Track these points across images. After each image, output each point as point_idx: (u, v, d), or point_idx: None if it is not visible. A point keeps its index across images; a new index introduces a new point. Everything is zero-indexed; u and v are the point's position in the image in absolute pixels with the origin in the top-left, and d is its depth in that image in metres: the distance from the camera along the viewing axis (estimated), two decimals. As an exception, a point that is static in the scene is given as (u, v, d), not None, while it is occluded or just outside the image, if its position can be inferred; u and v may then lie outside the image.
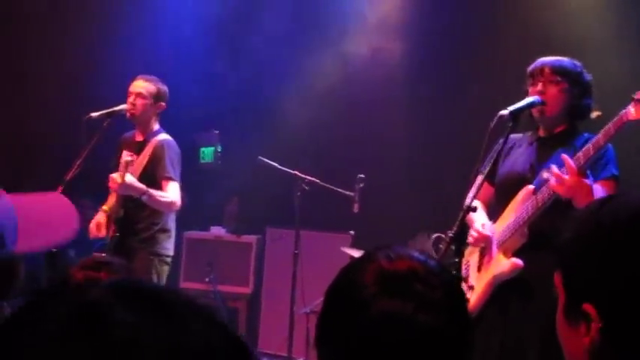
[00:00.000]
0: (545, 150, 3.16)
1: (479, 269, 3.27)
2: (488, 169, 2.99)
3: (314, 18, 6.44)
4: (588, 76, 3.17)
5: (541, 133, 3.25)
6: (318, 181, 5.15)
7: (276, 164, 5.21)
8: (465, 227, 2.72)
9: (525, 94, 3.17)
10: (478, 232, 3.20)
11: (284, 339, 5.20)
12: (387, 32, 6.38)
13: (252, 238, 6.49)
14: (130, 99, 4.43)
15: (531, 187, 3.08)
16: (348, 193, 5.14)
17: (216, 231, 6.61)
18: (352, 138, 6.27)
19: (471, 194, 3.36)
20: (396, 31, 6.36)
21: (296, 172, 5.14)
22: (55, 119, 6.09)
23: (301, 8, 6.46)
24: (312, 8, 6.45)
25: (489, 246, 3.19)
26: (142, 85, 4.45)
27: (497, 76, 5.83)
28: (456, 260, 2.75)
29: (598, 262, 1.04)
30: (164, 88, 4.52)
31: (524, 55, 5.76)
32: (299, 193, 5.12)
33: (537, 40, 5.56)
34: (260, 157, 5.24)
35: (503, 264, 3.10)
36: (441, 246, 3.15)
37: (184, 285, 6.54)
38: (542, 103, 3.04)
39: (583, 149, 2.88)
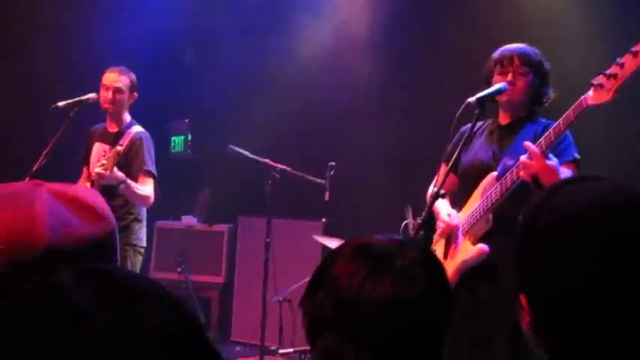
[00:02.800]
0: (507, 137, 3.22)
1: (445, 257, 3.30)
2: (452, 158, 3.05)
3: (288, 8, 6.41)
4: (547, 65, 3.25)
5: (501, 120, 3.30)
6: (289, 169, 5.15)
7: (247, 152, 5.19)
8: (432, 214, 2.74)
9: (486, 79, 3.24)
10: (444, 222, 3.25)
11: (257, 327, 5.20)
12: (359, 21, 6.38)
13: (223, 227, 6.47)
14: (108, 94, 4.40)
15: (494, 173, 3.12)
16: (319, 180, 5.15)
17: (188, 220, 6.59)
18: (322, 126, 6.27)
19: (436, 181, 3.42)
20: (367, 25, 6.36)
21: (267, 161, 5.13)
22: (21, 109, 6.01)
23: (275, 2, 6.43)
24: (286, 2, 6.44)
25: (455, 234, 3.23)
26: (118, 79, 4.43)
27: (471, 64, 5.87)
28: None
29: (533, 263, 1.05)
30: (134, 77, 4.54)
31: (498, 38, 5.83)
32: (270, 182, 5.11)
33: (512, 24, 5.60)
34: (231, 146, 5.22)
35: (470, 250, 3.13)
36: (410, 232, 3.18)
37: (155, 275, 6.51)
38: (507, 90, 3.07)
39: (544, 135, 2.92)
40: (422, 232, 2.78)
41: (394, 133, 6.13)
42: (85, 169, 4.56)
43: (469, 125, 3.22)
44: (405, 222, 4.31)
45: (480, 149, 3.28)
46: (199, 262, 6.36)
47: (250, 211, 6.17)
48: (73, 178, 4.41)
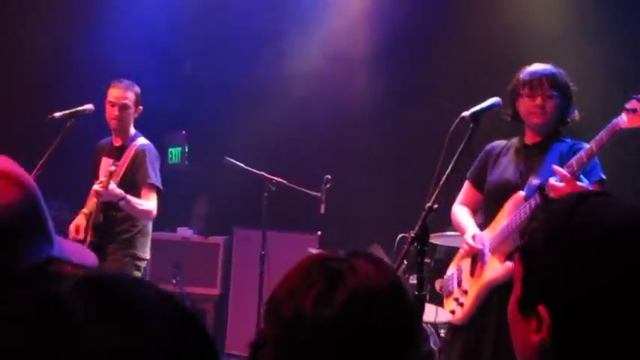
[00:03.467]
0: (533, 157, 3.28)
1: (472, 274, 3.35)
2: (474, 175, 3.25)
3: (284, 21, 6.44)
4: (573, 86, 3.31)
5: (527, 140, 3.35)
6: (285, 181, 5.16)
7: (242, 165, 5.20)
8: (427, 228, 2.74)
9: (512, 98, 3.29)
10: (468, 244, 3.30)
11: (252, 340, 5.18)
12: (356, 34, 6.41)
13: (219, 239, 6.47)
14: (114, 111, 4.39)
15: (522, 193, 3.18)
16: (314, 193, 5.16)
17: (183, 232, 6.58)
18: (319, 139, 6.29)
19: (460, 199, 3.51)
20: (365, 33, 6.40)
21: (263, 173, 5.15)
22: (18, 119, 6.02)
23: (273, 10, 6.46)
24: (284, 10, 6.46)
25: (481, 253, 3.27)
26: (124, 96, 4.40)
27: (464, 77, 5.90)
28: (419, 260, 2.78)
29: (560, 269, 1.02)
30: (139, 90, 4.52)
31: (488, 60, 5.88)
32: (266, 194, 5.12)
33: (504, 51, 5.64)
34: (227, 158, 5.23)
35: (498, 268, 3.18)
36: (404, 246, 3.18)
37: (151, 286, 6.50)
38: (501, 105, 3.09)
39: (575, 157, 2.98)
40: (415, 245, 2.78)
41: (391, 147, 6.15)
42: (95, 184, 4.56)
43: (496, 143, 3.41)
44: (400, 235, 4.32)
45: (506, 169, 3.32)
46: (195, 274, 6.35)
47: (246, 224, 6.17)
48: (68, 189, 4.42)
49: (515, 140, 3.41)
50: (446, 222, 5.16)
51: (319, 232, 5.48)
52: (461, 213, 3.52)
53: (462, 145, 2.85)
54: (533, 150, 3.30)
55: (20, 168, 1.04)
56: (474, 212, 3.52)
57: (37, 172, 4.07)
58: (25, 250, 0.95)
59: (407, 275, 4.69)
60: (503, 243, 3.20)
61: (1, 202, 0.95)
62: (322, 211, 5.14)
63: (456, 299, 3.39)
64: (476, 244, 3.28)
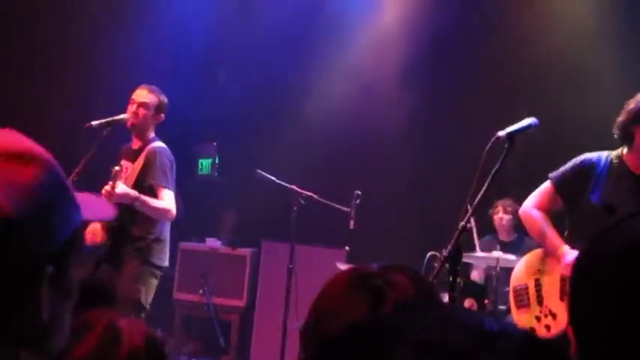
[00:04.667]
0: None
1: (562, 298, 3.26)
2: (564, 183, 3.23)
3: (317, 35, 6.48)
4: None
5: (635, 169, 3.26)
6: (315, 196, 5.16)
7: (273, 178, 5.22)
8: (459, 247, 2.73)
9: (636, 122, 3.19)
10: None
11: (276, 353, 5.19)
12: (387, 48, 6.42)
13: (247, 251, 6.49)
14: (132, 107, 4.43)
15: None
16: (344, 209, 5.15)
17: (212, 243, 6.62)
18: (350, 154, 6.30)
19: (536, 202, 3.41)
20: (396, 47, 6.41)
21: (293, 187, 5.16)
22: (55, 127, 6.11)
23: (306, 24, 6.50)
24: (316, 24, 6.50)
25: None
26: (145, 96, 4.46)
27: (497, 94, 5.88)
28: (450, 279, 2.76)
29: (585, 296, 1.01)
30: (165, 100, 4.53)
31: (526, 73, 5.85)
32: (295, 208, 5.13)
33: (540, 59, 5.62)
34: (258, 171, 5.25)
35: None
36: (435, 264, 3.16)
37: (178, 296, 6.54)
38: (537, 126, 3.07)
39: None
40: (447, 266, 2.77)
41: (422, 164, 6.13)
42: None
43: (593, 157, 3.30)
44: (430, 253, 4.30)
45: (613, 193, 3.24)
46: (221, 285, 6.37)
47: (274, 236, 6.19)
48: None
49: (613, 157, 3.31)
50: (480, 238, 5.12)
51: (347, 248, 5.47)
52: (544, 221, 3.43)
53: (497, 166, 2.83)
54: None
55: (25, 139, 0.96)
56: (548, 215, 3.41)
57: (73, 179, 4.12)
58: (60, 224, 0.94)
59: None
60: None
61: (24, 185, 0.89)
62: (351, 226, 5.13)
63: (538, 318, 3.33)
64: None
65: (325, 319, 1.21)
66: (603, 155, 3.34)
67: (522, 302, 3.46)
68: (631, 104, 3.23)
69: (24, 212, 0.88)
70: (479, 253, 4.74)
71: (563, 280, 3.28)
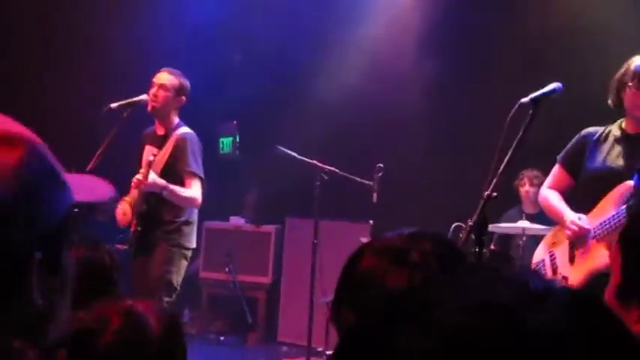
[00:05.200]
0: (634, 148, 3.26)
1: (571, 261, 3.33)
2: (567, 159, 3.30)
3: (335, 10, 6.42)
4: None
5: (629, 129, 3.33)
6: (337, 170, 5.14)
7: (294, 154, 5.20)
8: (485, 217, 2.69)
9: (617, 91, 3.27)
10: (579, 225, 3.26)
11: (303, 328, 5.21)
12: (408, 21, 6.35)
13: (271, 228, 6.50)
14: (153, 90, 4.42)
15: (630, 182, 3.15)
16: (367, 182, 5.13)
17: (236, 221, 6.64)
18: (371, 127, 6.25)
19: (549, 182, 3.51)
20: (417, 19, 6.33)
21: (315, 162, 5.14)
22: (75, 109, 6.13)
23: (325, 2, 6.44)
24: (336, 3, 6.44)
25: (584, 238, 3.25)
26: (165, 78, 4.44)
27: (518, 64, 5.79)
28: (476, 250, 2.73)
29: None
30: (186, 82, 4.51)
31: (545, 44, 5.75)
32: (318, 183, 5.11)
33: (559, 28, 5.51)
34: (279, 147, 5.24)
35: (606, 255, 3.11)
36: (460, 235, 3.14)
37: (204, 275, 6.58)
38: (562, 91, 3.02)
39: None
40: (472, 236, 2.74)
41: (443, 135, 6.07)
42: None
43: (592, 129, 3.39)
44: (455, 224, 4.27)
45: (608, 157, 3.31)
46: (247, 263, 6.40)
47: (298, 212, 6.19)
48: (126, 180, 4.48)
49: (612, 127, 3.38)
50: (503, 210, 5.08)
51: (371, 222, 5.44)
52: (553, 197, 3.49)
53: (521, 132, 2.78)
54: (636, 141, 3.28)
55: (12, 122, 0.92)
56: (565, 197, 3.48)
57: (95, 162, 4.13)
58: (48, 207, 0.91)
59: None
60: (613, 231, 3.10)
61: (7, 167, 0.86)
62: (374, 200, 5.10)
63: None
64: (584, 224, 3.24)
65: (364, 291, 1.21)
66: (602, 127, 3.41)
67: None
68: (621, 70, 3.29)
69: (7, 194, 0.86)
70: (504, 224, 4.70)
71: (571, 245, 3.34)
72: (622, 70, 3.29)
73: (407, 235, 1.30)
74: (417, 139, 6.15)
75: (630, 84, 3.23)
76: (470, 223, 2.69)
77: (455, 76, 6.09)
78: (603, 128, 3.40)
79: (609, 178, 3.20)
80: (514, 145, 2.84)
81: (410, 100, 6.21)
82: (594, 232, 3.23)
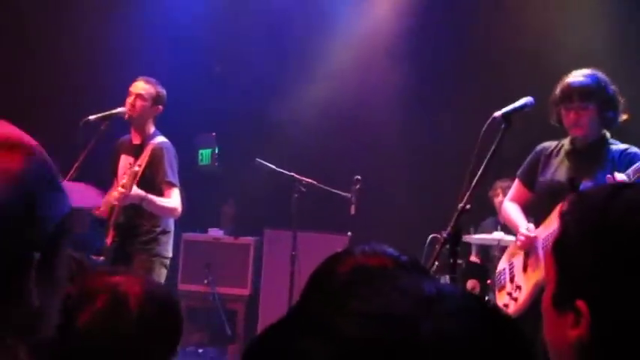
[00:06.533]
0: (582, 161, 3.35)
1: (524, 270, 3.43)
2: (524, 174, 3.43)
3: (311, 20, 6.46)
4: (611, 89, 3.34)
5: (576, 143, 3.42)
6: (315, 182, 5.17)
7: (273, 166, 5.23)
8: (459, 228, 2.74)
9: (556, 107, 3.34)
10: (525, 235, 3.37)
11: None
12: (384, 35, 6.41)
13: (249, 240, 6.50)
14: (130, 99, 4.41)
15: None
16: (345, 194, 5.16)
17: (214, 233, 6.63)
18: (349, 140, 6.29)
19: (510, 195, 3.64)
20: (394, 33, 6.39)
21: (293, 174, 5.16)
22: (52, 122, 6.11)
23: (299, 10, 6.48)
24: (310, 10, 6.48)
25: (535, 248, 3.34)
26: (142, 87, 4.44)
27: (494, 77, 5.87)
28: (451, 261, 2.78)
29: (599, 260, 0.99)
30: (163, 91, 4.51)
31: (519, 56, 5.83)
32: (296, 195, 5.14)
33: (532, 41, 5.60)
34: (257, 159, 5.26)
35: None
36: (436, 246, 3.18)
37: (182, 287, 6.56)
38: (533, 105, 3.08)
39: (633, 168, 3.08)
40: (447, 247, 2.78)
41: (419, 147, 6.13)
42: (115, 181, 4.59)
43: (547, 144, 3.49)
44: (431, 235, 4.31)
45: (557, 170, 3.40)
46: (225, 275, 6.39)
47: (276, 224, 6.20)
48: (104, 190, 4.47)
49: (565, 141, 3.46)
50: (476, 222, 5.13)
51: (349, 233, 5.48)
52: (512, 209, 3.60)
53: (493, 146, 2.84)
54: (584, 153, 3.36)
55: (13, 128, 0.95)
56: (525, 209, 3.59)
57: (72, 174, 4.12)
58: (47, 211, 0.94)
59: (438, 276, 4.68)
60: None
61: (9, 172, 0.89)
62: (352, 211, 5.14)
63: (509, 294, 3.50)
64: (531, 234, 3.33)
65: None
66: (557, 142, 3.50)
67: (500, 284, 3.67)
68: (555, 92, 3.36)
69: (9, 198, 0.88)
70: (480, 235, 4.75)
71: (526, 254, 3.44)
72: (553, 93, 3.36)
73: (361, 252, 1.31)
74: (395, 151, 6.20)
75: (559, 105, 3.32)
76: (444, 235, 2.73)
77: (431, 89, 6.16)
78: (557, 142, 3.49)
79: (558, 191, 3.27)
80: (487, 157, 2.90)
81: (387, 113, 6.27)
82: (544, 243, 3.31)
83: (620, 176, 3.03)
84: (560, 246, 1.07)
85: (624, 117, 3.34)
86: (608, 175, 3.08)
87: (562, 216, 1.10)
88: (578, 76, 3.31)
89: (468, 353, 0.54)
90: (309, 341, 0.55)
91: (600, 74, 3.33)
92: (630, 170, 3.07)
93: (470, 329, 0.56)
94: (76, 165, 4.18)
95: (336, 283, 0.61)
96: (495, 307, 0.59)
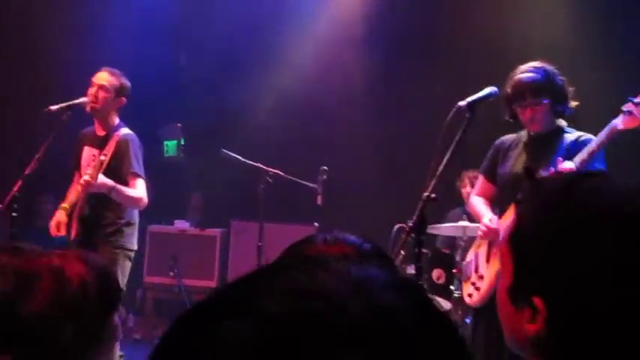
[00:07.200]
0: (538, 151, 3.37)
1: (487, 260, 3.47)
2: (486, 169, 3.46)
3: (277, 12, 6.44)
4: (560, 79, 3.35)
5: (532, 134, 3.44)
6: (281, 173, 5.15)
7: (239, 157, 5.19)
8: (424, 218, 2.74)
9: (509, 103, 3.34)
10: (487, 226, 3.40)
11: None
12: (349, 22, 6.41)
13: (216, 232, 6.47)
14: (92, 90, 4.34)
15: None
16: (311, 185, 5.15)
17: (180, 224, 6.58)
18: (315, 130, 6.29)
19: (476, 191, 3.67)
20: (359, 26, 6.39)
21: (259, 165, 5.14)
22: (14, 113, 6.00)
23: (264, 4, 6.45)
24: (275, 3, 6.46)
25: (497, 238, 3.36)
26: (105, 78, 4.36)
27: (459, 68, 5.91)
28: (416, 250, 2.78)
29: (556, 256, 0.97)
30: (127, 83, 4.44)
31: (484, 48, 5.88)
32: (263, 186, 5.11)
33: (497, 34, 5.64)
34: (223, 150, 5.22)
35: None
36: (402, 236, 3.19)
37: (148, 279, 6.51)
38: (498, 94, 3.10)
39: (579, 155, 3.11)
40: (413, 236, 2.79)
41: (385, 137, 6.15)
42: (76, 174, 4.53)
43: (505, 138, 3.52)
44: (397, 225, 4.32)
45: (516, 162, 3.42)
46: (192, 267, 6.35)
47: (243, 216, 6.18)
48: (65, 182, 4.41)
49: (523, 133, 3.48)
50: (444, 212, 5.17)
51: (316, 224, 5.47)
52: (477, 202, 3.63)
53: (458, 135, 2.85)
54: (540, 144, 3.38)
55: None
56: (491, 203, 3.62)
57: (34, 165, 4.05)
58: None
59: (404, 266, 4.70)
60: None
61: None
62: (319, 202, 5.13)
63: (473, 284, 3.54)
64: (492, 225, 3.36)
65: None
66: (516, 135, 3.52)
67: (466, 275, 3.73)
68: (506, 88, 3.36)
69: None
70: (446, 224, 4.77)
71: (490, 245, 3.49)
72: (505, 89, 3.33)
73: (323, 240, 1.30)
74: (361, 141, 6.21)
75: (516, 104, 3.32)
76: (410, 224, 2.74)
77: (396, 79, 6.18)
78: (516, 135, 3.51)
79: (518, 182, 3.28)
80: (452, 147, 2.91)
81: (353, 103, 6.28)
82: (504, 234, 3.34)
83: (567, 164, 3.06)
84: (515, 236, 1.05)
85: (575, 104, 3.37)
86: (559, 158, 3.12)
87: (517, 206, 1.07)
88: (526, 71, 3.31)
89: (397, 330, 0.55)
90: (231, 322, 0.54)
91: (547, 66, 3.33)
92: (577, 159, 3.10)
93: (399, 307, 0.56)
94: (37, 156, 4.11)
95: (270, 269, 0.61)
96: (420, 286, 0.60)
